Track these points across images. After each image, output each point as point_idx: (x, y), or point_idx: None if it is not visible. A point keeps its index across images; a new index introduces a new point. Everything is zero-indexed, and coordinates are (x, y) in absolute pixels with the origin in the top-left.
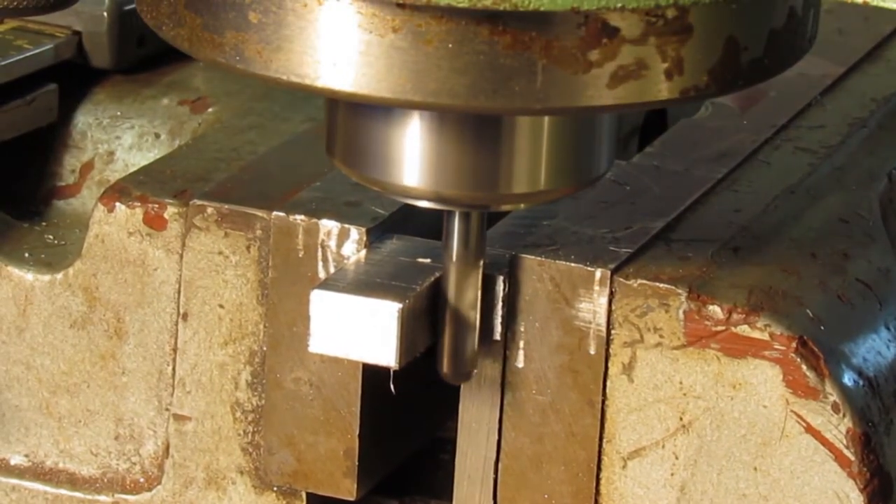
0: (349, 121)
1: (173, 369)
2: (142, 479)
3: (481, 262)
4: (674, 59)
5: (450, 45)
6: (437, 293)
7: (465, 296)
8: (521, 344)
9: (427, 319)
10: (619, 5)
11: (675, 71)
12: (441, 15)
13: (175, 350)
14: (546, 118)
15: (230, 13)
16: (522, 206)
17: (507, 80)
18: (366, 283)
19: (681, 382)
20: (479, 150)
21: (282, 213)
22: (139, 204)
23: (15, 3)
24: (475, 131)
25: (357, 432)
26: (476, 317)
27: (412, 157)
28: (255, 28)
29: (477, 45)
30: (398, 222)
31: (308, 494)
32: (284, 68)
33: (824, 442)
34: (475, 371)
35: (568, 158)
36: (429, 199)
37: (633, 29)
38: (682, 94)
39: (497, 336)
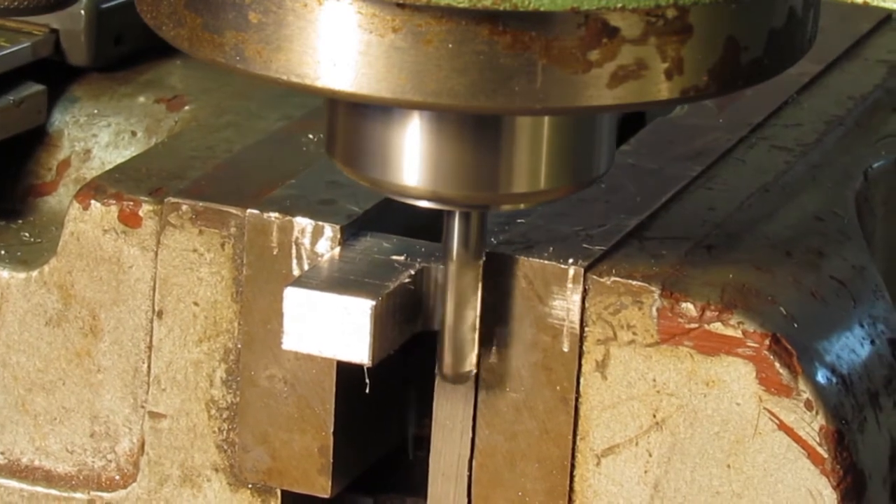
0: (349, 121)
1: (148, 367)
2: (117, 477)
3: (481, 262)
4: (674, 59)
5: (450, 45)
6: (411, 290)
7: (465, 296)
8: (495, 341)
9: (401, 316)
10: (619, 5)
11: (675, 71)
12: (441, 15)
13: (150, 347)
14: (546, 118)
15: (230, 13)
16: (522, 206)
17: (506, 80)
18: (339, 281)
19: (654, 380)
20: (479, 149)
21: (256, 211)
22: (114, 202)
23: (16, 4)
24: (475, 131)
25: (332, 429)
26: (476, 317)
27: (412, 157)
28: (255, 28)
29: (477, 45)
30: (373, 220)
31: (283, 492)
32: (284, 68)
33: (797, 439)
34: (474, 372)
35: (568, 158)
36: (429, 199)
37: (633, 29)
38: (682, 94)
39: None
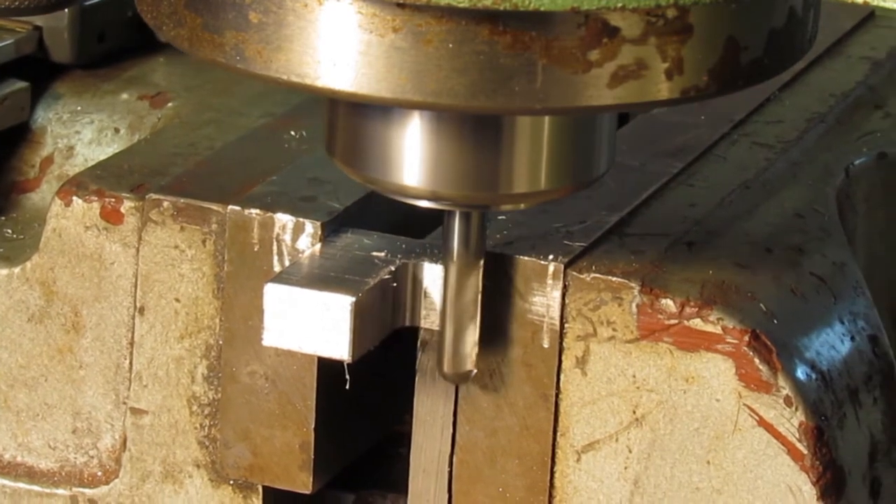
0: (349, 121)
1: (130, 363)
2: (99, 473)
3: (481, 262)
4: (674, 59)
5: (450, 45)
6: (391, 286)
7: (465, 296)
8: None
9: (382, 313)
10: (619, 5)
11: (675, 71)
12: (441, 15)
13: (132, 344)
14: (546, 118)
15: (230, 13)
16: (522, 205)
17: (507, 80)
18: (320, 277)
19: (634, 376)
20: (479, 149)
21: (237, 207)
22: (96, 198)
23: (17, 4)
24: (475, 131)
25: (313, 426)
26: (476, 316)
27: (412, 157)
28: (255, 28)
29: (477, 45)
30: (354, 216)
31: (264, 488)
32: (284, 68)
33: (777, 435)
34: (475, 372)
35: (568, 158)
36: (429, 199)
37: (633, 29)
38: (682, 94)
39: None
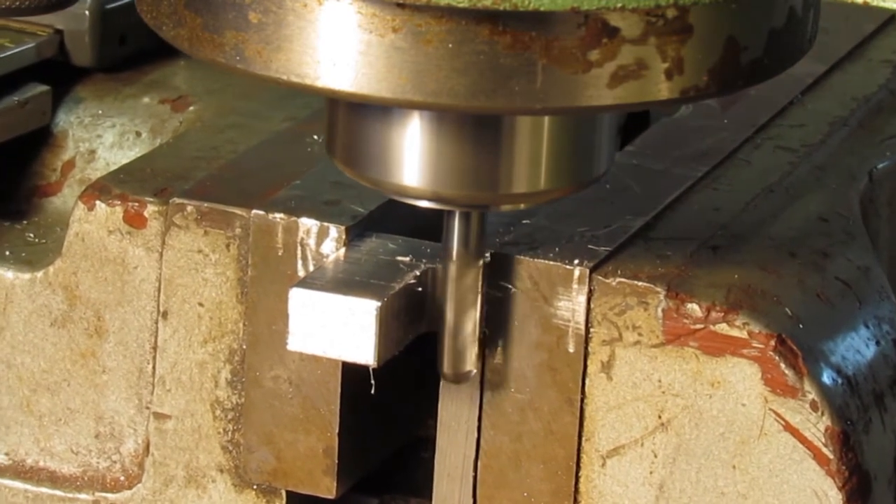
0: (349, 121)
1: (153, 367)
2: (122, 478)
3: (481, 262)
4: (674, 59)
5: (450, 45)
6: (416, 291)
7: (465, 296)
8: (500, 342)
9: (406, 317)
10: (619, 5)
11: (675, 71)
12: (441, 15)
13: (155, 348)
14: (546, 118)
15: (230, 13)
16: (522, 206)
17: (507, 80)
18: (344, 282)
19: (659, 381)
20: (479, 149)
21: (261, 212)
22: (119, 202)
23: (17, 4)
24: (475, 131)
25: (337, 430)
26: (476, 317)
27: (412, 157)
28: (255, 28)
29: (477, 45)
30: (378, 220)
31: (288, 493)
32: (284, 68)
33: (803, 440)
34: (475, 372)
35: (568, 158)
36: (429, 199)
37: (633, 29)
38: (682, 94)
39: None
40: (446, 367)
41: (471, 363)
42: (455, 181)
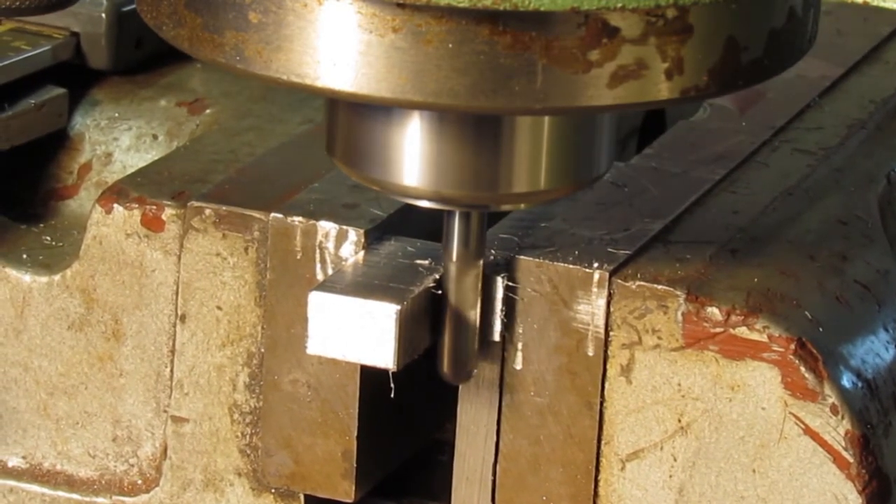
0: (349, 121)
1: (171, 371)
2: (139, 481)
3: (481, 262)
4: (674, 59)
5: (450, 45)
6: (435, 294)
7: (465, 296)
8: (520, 346)
9: (425, 321)
10: (619, 5)
11: (675, 71)
12: (441, 15)
13: (173, 352)
14: (546, 118)
15: (230, 13)
16: (522, 206)
17: (507, 80)
18: (364, 285)
19: (679, 384)
20: (479, 149)
21: (279, 215)
22: (137, 205)
23: (18, 4)
24: (475, 131)
25: (355, 434)
26: (476, 317)
27: (412, 157)
28: (255, 28)
29: (477, 45)
30: (396, 224)
31: (306, 496)
32: (284, 68)
33: (823, 444)
34: (475, 371)
35: (568, 158)
36: (429, 199)
37: (633, 29)
38: (682, 94)
39: (495, 337)
40: (445, 366)
41: (470, 363)
42: (455, 181)
